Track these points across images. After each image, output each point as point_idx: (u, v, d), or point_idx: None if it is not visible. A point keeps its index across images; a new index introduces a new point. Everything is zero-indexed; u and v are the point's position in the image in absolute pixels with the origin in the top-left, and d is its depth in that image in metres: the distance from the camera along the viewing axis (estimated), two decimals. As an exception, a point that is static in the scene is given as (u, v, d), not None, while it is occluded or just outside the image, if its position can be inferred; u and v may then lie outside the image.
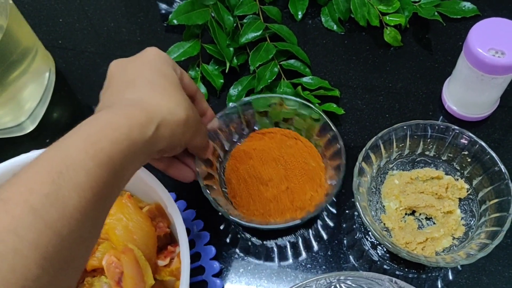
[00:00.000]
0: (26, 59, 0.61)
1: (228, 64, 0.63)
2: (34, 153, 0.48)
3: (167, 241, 0.49)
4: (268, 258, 0.54)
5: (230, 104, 0.57)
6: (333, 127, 0.53)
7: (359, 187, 0.50)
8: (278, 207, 0.52)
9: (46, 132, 0.64)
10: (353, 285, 0.45)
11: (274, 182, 0.53)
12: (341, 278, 0.44)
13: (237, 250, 0.54)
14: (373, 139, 0.52)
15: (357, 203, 0.48)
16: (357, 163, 0.51)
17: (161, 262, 0.46)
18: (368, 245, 0.54)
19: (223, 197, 0.53)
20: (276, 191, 0.53)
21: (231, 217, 0.48)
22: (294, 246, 0.54)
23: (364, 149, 0.52)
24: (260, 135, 0.58)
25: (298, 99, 0.55)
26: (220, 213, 0.52)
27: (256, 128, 0.58)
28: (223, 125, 0.55)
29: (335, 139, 0.52)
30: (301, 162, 0.55)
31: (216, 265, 0.52)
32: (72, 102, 0.67)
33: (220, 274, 0.52)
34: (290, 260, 0.53)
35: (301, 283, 0.44)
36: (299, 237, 0.55)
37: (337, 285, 0.44)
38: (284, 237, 0.55)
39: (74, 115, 0.66)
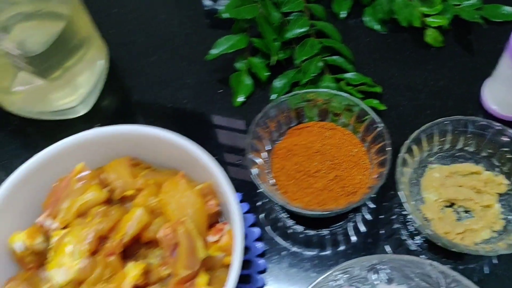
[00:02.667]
0: (83, 47, 0.65)
1: (273, 58, 0.66)
2: (85, 133, 0.51)
3: (216, 220, 0.51)
4: (309, 245, 0.56)
5: (273, 100, 0.59)
6: (377, 120, 0.55)
7: (402, 176, 0.52)
8: (331, 195, 0.54)
9: (97, 117, 0.68)
10: (395, 268, 0.46)
11: (322, 173, 0.56)
12: (384, 260, 0.46)
13: (280, 235, 0.56)
14: (415, 133, 0.54)
15: (400, 191, 0.50)
16: (400, 154, 0.53)
17: (211, 238, 0.49)
18: (406, 235, 0.55)
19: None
20: (326, 181, 0.55)
21: (291, 207, 0.51)
22: (334, 235, 0.56)
23: (407, 141, 0.53)
24: (298, 131, 0.60)
25: (342, 93, 0.58)
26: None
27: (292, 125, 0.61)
28: (264, 124, 0.58)
29: (380, 136, 0.55)
30: (344, 150, 0.57)
31: (260, 245, 0.54)
32: (122, 90, 0.70)
33: (263, 255, 0.54)
34: (330, 248, 0.55)
35: (345, 264, 0.46)
36: (339, 228, 0.57)
37: (380, 267, 0.46)
38: (325, 229, 0.57)
39: (124, 102, 0.69)
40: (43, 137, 0.67)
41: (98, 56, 0.69)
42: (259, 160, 0.56)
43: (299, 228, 0.57)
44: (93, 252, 0.45)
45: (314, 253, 0.55)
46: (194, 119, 0.66)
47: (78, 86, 0.66)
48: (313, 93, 0.59)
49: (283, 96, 0.59)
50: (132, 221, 0.46)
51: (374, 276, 0.47)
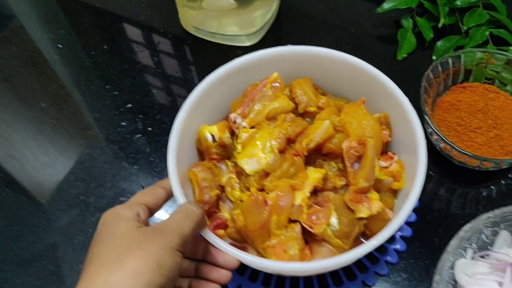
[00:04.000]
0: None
1: (442, 20, 0.68)
2: (279, 49, 0.55)
3: (384, 149, 0.54)
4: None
5: (443, 56, 0.62)
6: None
7: None
8: (489, 151, 0.56)
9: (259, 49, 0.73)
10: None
11: (482, 130, 0.58)
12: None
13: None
14: None
15: None
16: None
17: (382, 163, 0.52)
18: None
19: None
20: (486, 138, 0.57)
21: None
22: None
23: None
24: (462, 89, 0.63)
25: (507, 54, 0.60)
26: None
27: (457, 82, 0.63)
28: (433, 77, 0.60)
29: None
30: (507, 112, 0.59)
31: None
32: (287, 31, 0.75)
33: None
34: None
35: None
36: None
37: None
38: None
39: (287, 42, 0.73)
40: (211, 56, 0.73)
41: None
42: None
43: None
44: (281, 151, 0.50)
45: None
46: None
47: (253, 19, 0.71)
48: (487, 53, 0.60)
49: (454, 52, 0.61)
50: (320, 129, 0.50)
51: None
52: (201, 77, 0.70)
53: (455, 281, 0.48)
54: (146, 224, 0.44)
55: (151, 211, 0.46)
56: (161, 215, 0.59)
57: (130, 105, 0.69)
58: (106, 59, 0.73)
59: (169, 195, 0.48)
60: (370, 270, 0.54)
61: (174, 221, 0.42)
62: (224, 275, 0.46)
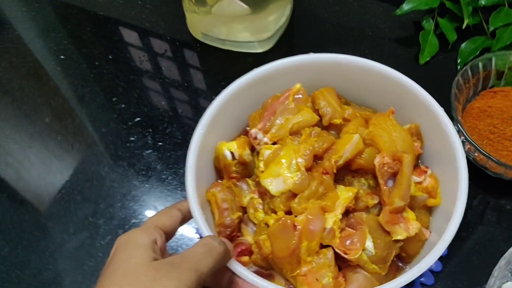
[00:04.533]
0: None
1: (466, 21, 0.64)
2: (299, 57, 0.52)
3: (416, 162, 0.51)
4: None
5: (469, 61, 0.58)
6: None
7: None
8: (527, 161, 0.53)
9: (275, 57, 0.69)
10: None
11: (518, 138, 0.54)
12: None
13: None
14: None
15: None
16: None
17: (415, 178, 0.48)
18: None
19: None
20: (523, 147, 0.54)
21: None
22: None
23: None
24: (492, 94, 0.59)
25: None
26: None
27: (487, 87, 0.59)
28: (463, 82, 0.56)
29: None
30: (543, 120, 0.55)
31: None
32: (302, 36, 0.71)
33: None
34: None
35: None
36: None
37: None
38: None
39: (302, 47, 0.70)
40: (221, 63, 0.69)
41: (286, 1, 0.70)
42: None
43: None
44: (308, 169, 0.46)
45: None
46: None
47: (266, 25, 0.67)
48: (521, 56, 0.57)
49: (487, 54, 0.57)
50: (350, 145, 0.46)
51: None
52: (211, 86, 0.67)
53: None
54: (163, 250, 0.40)
55: (168, 235, 0.42)
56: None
57: (138, 118, 0.65)
58: (111, 69, 0.69)
59: (186, 218, 0.45)
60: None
61: (192, 257, 0.38)
62: None
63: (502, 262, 0.44)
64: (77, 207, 0.59)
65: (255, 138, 0.49)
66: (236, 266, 0.42)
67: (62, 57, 0.71)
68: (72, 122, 0.66)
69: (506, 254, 0.44)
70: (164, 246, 0.41)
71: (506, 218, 0.54)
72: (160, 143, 0.63)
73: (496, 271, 0.43)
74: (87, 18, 0.75)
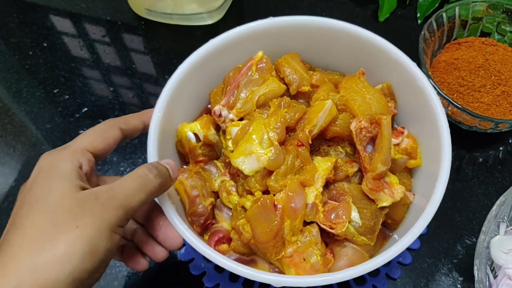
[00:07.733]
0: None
1: (421, -27, 0.62)
2: (259, 22, 0.48)
3: (392, 123, 0.48)
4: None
5: (435, 15, 0.56)
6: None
7: None
8: (499, 110, 0.51)
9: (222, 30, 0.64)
10: None
11: (487, 88, 0.53)
12: None
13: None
14: None
15: None
16: None
17: (394, 140, 0.46)
18: None
19: None
20: (492, 96, 0.52)
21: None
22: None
23: None
24: (457, 45, 0.57)
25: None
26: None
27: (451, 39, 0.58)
28: (429, 35, 0.54)
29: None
30: (509, 66, 0.54)
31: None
32: (252, 3, 0.67)
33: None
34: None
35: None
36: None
37: None
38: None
39: (253, 16, 0.66)
40: (170, 40, 0.64)
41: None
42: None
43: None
44: (281, 143, 0.42)
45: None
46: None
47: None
48: (484, 3, 0.55)
49: (450, 5, 0.55)
50: (323, 112, 0.43)
51: None
52: (162, 66, 0.62)
53: (492, 262, 0.43)
54: (90, 174, 0.37)
55: (99, 157, 0.38)
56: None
57: (85, 109, 0.59)
58: (48, 59, 0.63)
59: (126, 136, 0.41)
60: (393, 261, 0.49)
61: (123, 191, 0.34)
62: (159, 255, 0.41)
63: (490, 216, 0.42)
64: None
65: (220, 115, 0.45)
66: (216, 257, 0.38)
67: (-13, 49, 0.64)
68: (11, 121, 0.59)
69: (494, 207, 0.42)
70: (90, 172, 0.37)
71: (481, 170, 0.53)
72: (113, 133, 0.57)
73: (485, 226, 0.42)
74: (12, 3, 0.68)
